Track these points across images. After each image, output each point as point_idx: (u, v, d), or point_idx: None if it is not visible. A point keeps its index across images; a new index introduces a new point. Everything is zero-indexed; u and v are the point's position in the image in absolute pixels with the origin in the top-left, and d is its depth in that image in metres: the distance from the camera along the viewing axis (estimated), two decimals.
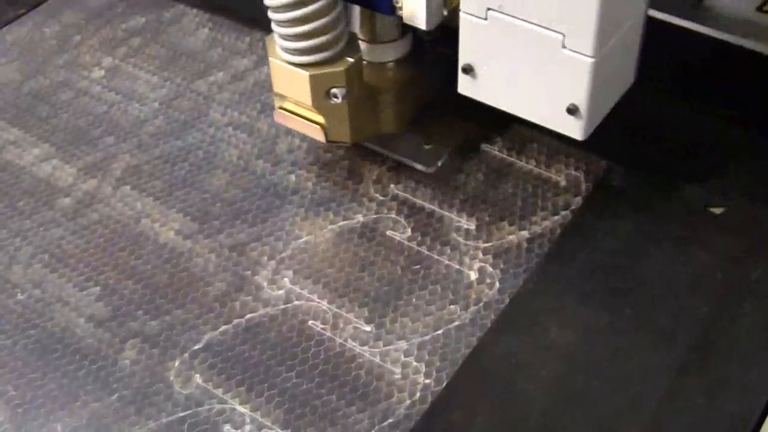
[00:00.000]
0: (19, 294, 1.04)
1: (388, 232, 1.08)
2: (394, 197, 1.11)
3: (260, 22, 1.24)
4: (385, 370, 0.96)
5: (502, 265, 1.04)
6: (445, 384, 0.94)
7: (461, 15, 0.97)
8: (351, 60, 1.04)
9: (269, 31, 1.04)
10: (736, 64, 1.17)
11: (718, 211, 1.07)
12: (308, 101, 1.05)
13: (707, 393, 0.92)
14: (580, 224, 1.07)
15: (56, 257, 1.07)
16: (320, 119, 1.07)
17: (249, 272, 1.05)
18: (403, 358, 0.96)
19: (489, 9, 0.95)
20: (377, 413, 0.92)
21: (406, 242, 1.07)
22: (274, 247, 1.07)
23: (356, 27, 1.11)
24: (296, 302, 1.02)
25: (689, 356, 0.95)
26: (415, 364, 0.96)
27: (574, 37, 0.93)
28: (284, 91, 1.07)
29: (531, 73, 0.97)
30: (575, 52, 0.93)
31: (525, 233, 1.06)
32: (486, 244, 1.06)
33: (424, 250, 1.06)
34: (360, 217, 1.10)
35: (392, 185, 1.13)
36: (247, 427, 0.92)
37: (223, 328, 1.00)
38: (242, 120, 1.22)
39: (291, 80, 1.05)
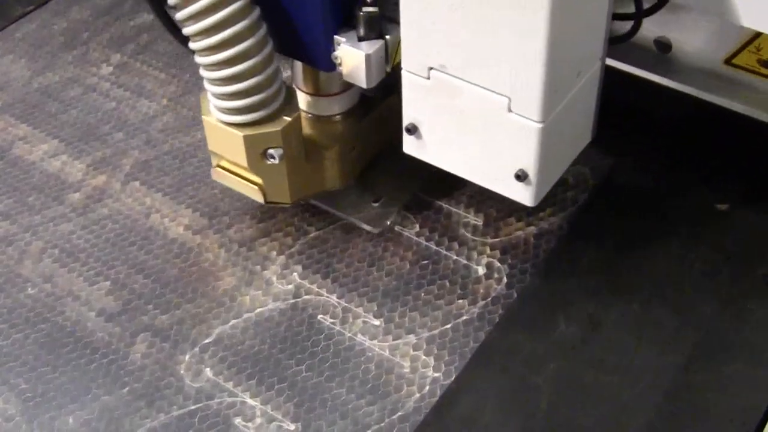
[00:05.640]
0: (29, 288, 1.05)
1: (397, 228, 1.08)
2: None
3: None
4: (395, 363, 0.96)
5: (509, 261, 1.04)
6: (454, 377, 0.94)
7: (403, 73, 0.91)
8: (288, 119, 0.96)
9: None
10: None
11: (724, 207, 1.08)
12: (243, 162, 0.99)
13: (713, 388, 0.93)
14: (587, 220, 1.08)
15: (66, 252, 1.08)
16: (257, 179, 1.01)
17: (258, 267, 1.05)
18: (412, 352, 0.97)
19: (431, 68, 0.89)
20: (387, 406, 0.93)
21: (414, 238, 1.07)
22: (283, 242, 1.08)
23: (299, 79, 1.04)
24: (306, 296, 1.02)
25: (696, 352, 0.95)
26: (424, 357, 0.96)
27: (520, 101, 0.85)
28: (219, 151, 1.01)
29: (477, 136, 0.91)
30: (522, 116, 0.86)
31: (532, 229, 1.07)
32: (493, 240, 1.06)
33: (432, 245, 1.06)
34: None
35: None
36: (258, 420, 0.92)
37: (233, 322, 1.00)
38: None
39: (225, 140, 0.98)
